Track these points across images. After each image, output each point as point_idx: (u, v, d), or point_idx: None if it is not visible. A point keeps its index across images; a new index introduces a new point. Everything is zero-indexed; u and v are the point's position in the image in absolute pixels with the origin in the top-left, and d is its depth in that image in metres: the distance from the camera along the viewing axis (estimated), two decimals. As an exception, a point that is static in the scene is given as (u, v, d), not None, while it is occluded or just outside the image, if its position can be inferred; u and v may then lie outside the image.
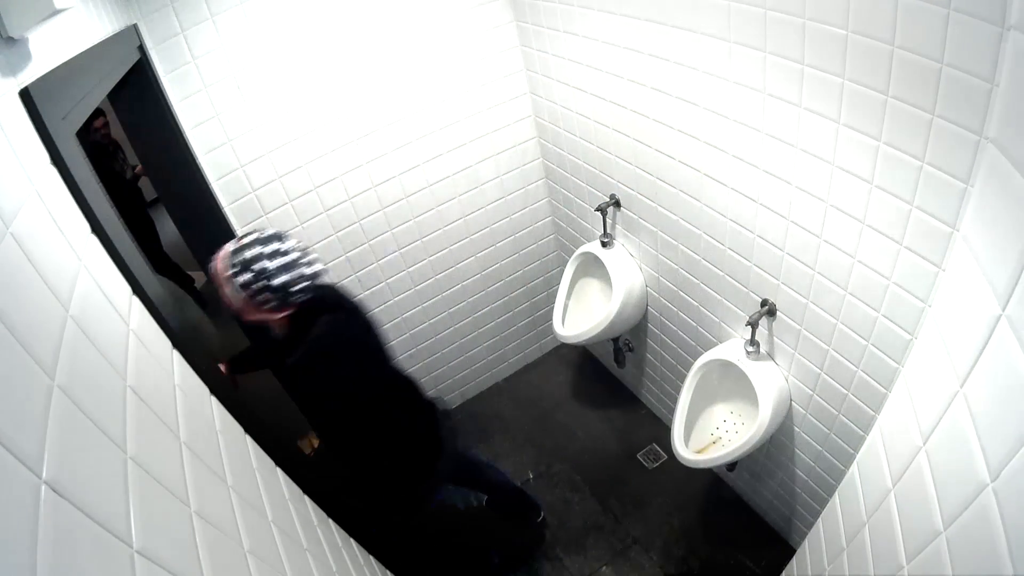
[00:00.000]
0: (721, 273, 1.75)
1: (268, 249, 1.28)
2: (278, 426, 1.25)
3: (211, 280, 1.33)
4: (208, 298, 3.99)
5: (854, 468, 1.13)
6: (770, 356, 1.71)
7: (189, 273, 4.01)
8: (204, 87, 1.74)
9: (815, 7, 1.09)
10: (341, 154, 2.04)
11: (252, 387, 1.63)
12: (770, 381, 1.66)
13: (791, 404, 1.72)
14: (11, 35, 0.76)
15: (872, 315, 1.30)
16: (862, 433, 1.50)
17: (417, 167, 2.20)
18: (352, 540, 1.42)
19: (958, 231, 0.99)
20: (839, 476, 1.57)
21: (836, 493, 1.21)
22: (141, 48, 1.55)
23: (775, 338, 1.65)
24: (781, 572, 1.51)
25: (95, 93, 1.11)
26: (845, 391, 1.50)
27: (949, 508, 0.76)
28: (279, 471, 1.16)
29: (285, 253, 1.29)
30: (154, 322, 0.92)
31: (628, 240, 2.14)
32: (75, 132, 0.94)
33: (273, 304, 1.30)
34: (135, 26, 1.54)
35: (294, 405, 2.35)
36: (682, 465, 1.82)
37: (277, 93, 1.84)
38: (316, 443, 2.87)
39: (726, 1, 1.26)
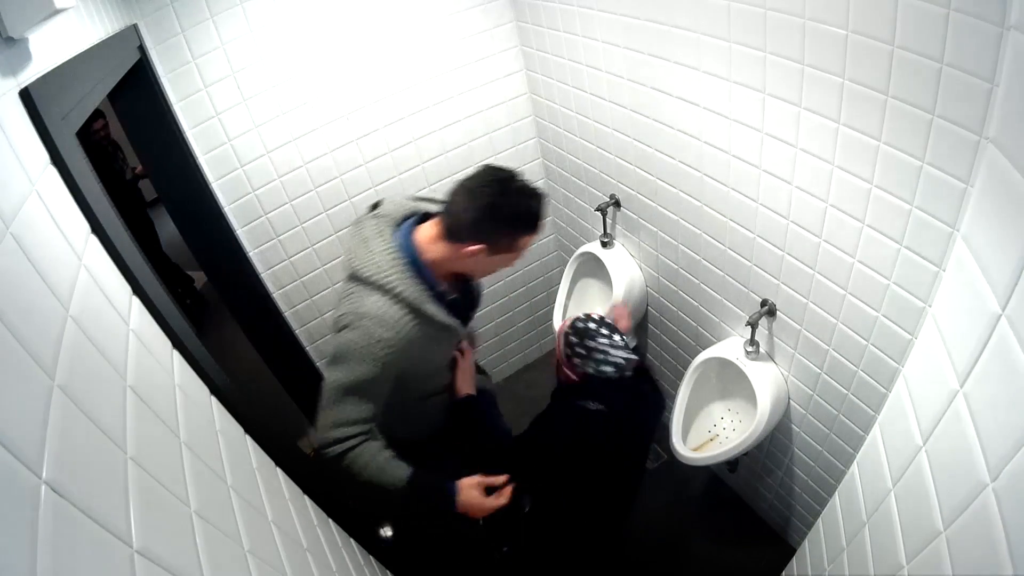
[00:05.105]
0: (721, 273, 1.75)
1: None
2: (278, 426, 1.26)
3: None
4: (208, 298, 3.99)
5: (854, 468, 1.13)
6: (770, 356, 1.71)
7: (189, 273, 4.01)
8: (204, 87, 1.74)
9: (815, 7, 1.09)
10: (340, 154, 2.04)
11: (252, 387, 1.63)
12: (768, 379, 1.66)
13: (790, 404, 1.72)
14: (11, 35, 0.75)
15: (872, 315, 1.30)
16: (862, 433, 1.50)
17: (417, 167, 2.20)
18: (352, 540, 1.42)
19: (958, 231, 0.99)
20: (839, 476, 1.57)
21: (836, 493, 1.21)
22: (141, 48, 1.55)
23: (775, 338, 1.65)
24: (781, 572, 1.51)
25: (95, 93, 1.11)
26: (845, 391, 1.50)
27: (949, 508, 0.76)
28: (279, 471, 1.16)
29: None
30: (154, 322, 0.92)
31: (628, 240, 2.14)
32: (75, 132, 0.94)
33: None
34: (135, 26, 1.54)
35: (294, 405, 2.35)
36: (682, 465, 1.82)
37: (277, 93, 1.84)
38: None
39: (726, 1, 1.26)
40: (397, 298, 1.20)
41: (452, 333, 1.34)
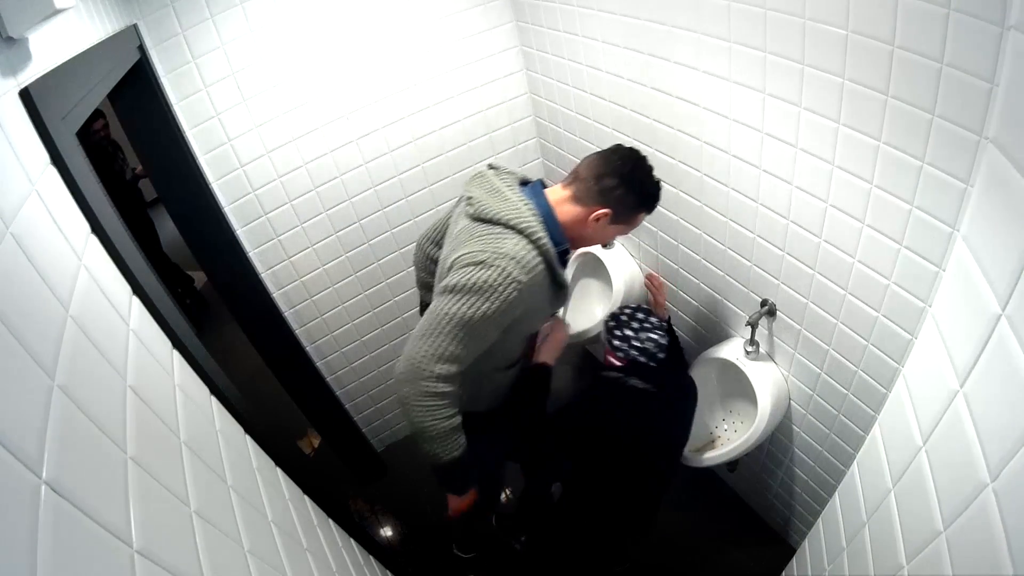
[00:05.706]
0: (721, 273, 1.75)
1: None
2: (278, 426, 1.26)
3: None
4: (208, 298, 4.00)
5: (854, 468, 1.14)
6: (770, 356, 1.71)
7: (189, 273, 4.01)
8: (204, 87, 1.74)
9: (815, 7, 1.09)
10: (340, 154, 2.03)
11: (252, 387, 1.62)
12: (769, 380, 1.66)
13: (791, 404, 1.72)
14: (11, 35, 0.75)
15: (872, 315, 1.31)
16: (862, 433, 1.50)
17: (417, 167, 2.20)
18: (352, 540, 1.42)
19: (958, 231, 0.99)
20: (839, 476, 1.57)
21: (836, 493, 1.21)
22: (141, 48, 1.55)
23: (775, 338, 1.65)
24: (781, 572, 1.51)
25: (95, 93, 1.11)
26: (845, 391, 1.50)
27: (949, 508, 0.77)
28: (279, 471, 1.16)
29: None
30: (154, 322, 0.92)
31: (628, 240, 2.14)
32: (75, 132, 0.94)
33: None
34: (135, 26, 1.54)
35: (294, 405, 2.35)
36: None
37: (277, 93, 1.84)
38: (316, 443, 2.87)
39: (726, 1, 1.26)
40: (536, 244, 1.21)
41: (560, 298, 1.36)
